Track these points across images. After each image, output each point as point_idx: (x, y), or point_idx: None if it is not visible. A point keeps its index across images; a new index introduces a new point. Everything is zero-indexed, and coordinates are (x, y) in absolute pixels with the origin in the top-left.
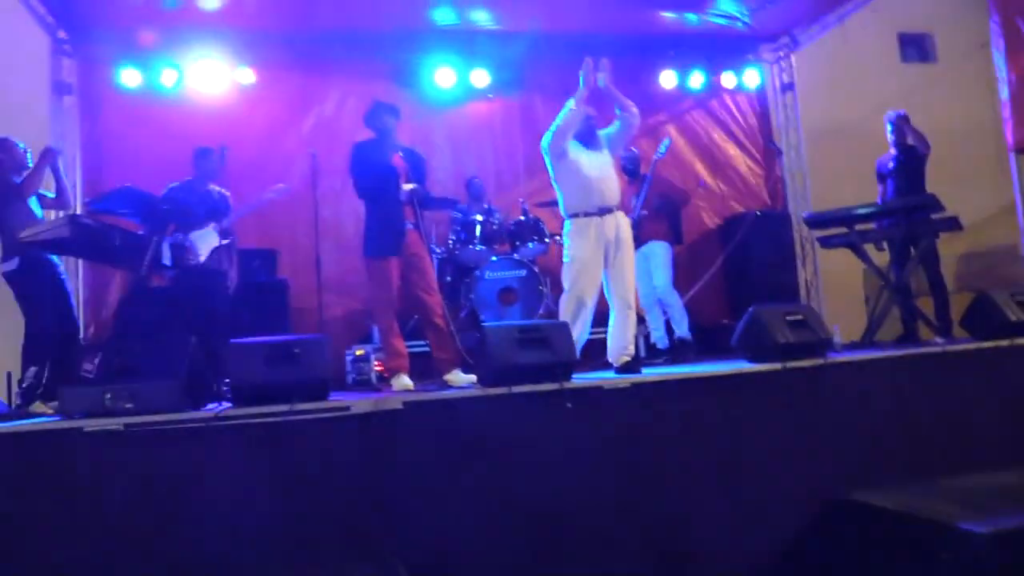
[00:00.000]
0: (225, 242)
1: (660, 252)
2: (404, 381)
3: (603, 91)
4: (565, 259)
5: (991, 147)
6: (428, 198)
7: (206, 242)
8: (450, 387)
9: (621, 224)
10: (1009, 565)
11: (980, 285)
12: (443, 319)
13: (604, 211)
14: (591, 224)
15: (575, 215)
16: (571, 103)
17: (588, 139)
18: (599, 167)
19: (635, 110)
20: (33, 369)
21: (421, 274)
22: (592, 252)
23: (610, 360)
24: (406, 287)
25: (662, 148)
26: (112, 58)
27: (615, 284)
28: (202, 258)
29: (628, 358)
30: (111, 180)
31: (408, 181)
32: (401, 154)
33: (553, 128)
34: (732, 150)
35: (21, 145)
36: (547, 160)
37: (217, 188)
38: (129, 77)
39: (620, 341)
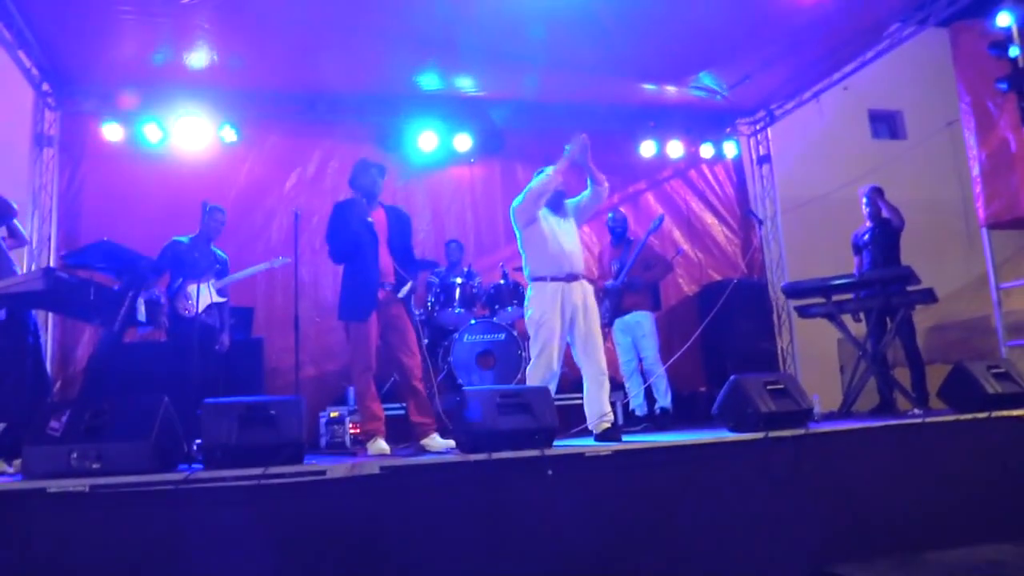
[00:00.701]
0: (222, 300)
1: (646, 323)
2: (380, 445)
3: (580, 163)
4: (530, 324)
5: (960, 222)
6: (413, 263)
7: (204, 296)
8: (428, 452)
9: (588, 291)
10: None
11: (953, 357)
12: (422, 382)
13: (572, 278)
14: (559, 289)
15: (542, 279)
16: (549, 170)
17: (557, 206)
18: (567, 234)
19: (607, 184)
20: (2, 425)
21: (402, 335)
22: (560, 317)
23: (589, 427)
24: (386, 349)
25: (656, 222)
26: (96, 113)
27: (588, 350)
28: (198, 311)
29: (608, 424)
30: (88, 234)
31: (389, 240)
32: (385, 212)
33: (526, 191)
34: (710, 219)
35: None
36: (515, 223)
37: (218, 251)
38: (112, 132)
39: (598, 407)
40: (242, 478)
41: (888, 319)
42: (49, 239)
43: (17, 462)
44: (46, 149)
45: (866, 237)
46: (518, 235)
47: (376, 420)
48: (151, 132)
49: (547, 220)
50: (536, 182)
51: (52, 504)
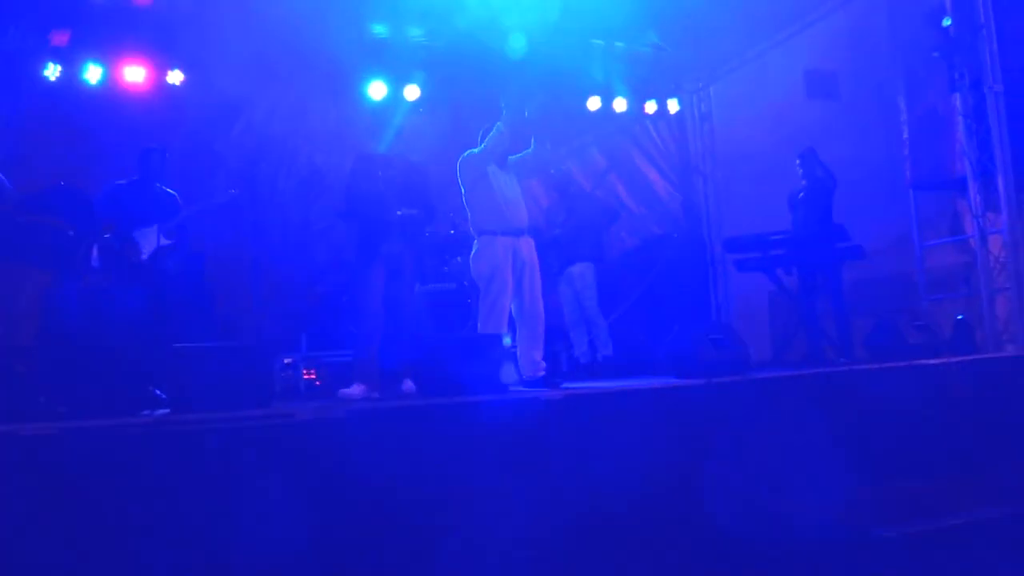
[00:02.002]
0: (167, 243)
1: (587, 274)
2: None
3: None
4: (479, 278)
5: (888, 182)
6: None
7: (148, 241)
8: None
9: (532, 245)
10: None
11: (877, 311)
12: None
13: (519, 232)
14: (509, 244)
15: (491, 233)
16: (500, 126)
17: (501, 162)
18: (513, 189)
19: (548, 145)
20: None
21: None
22: (511, 271)
23: (522, 375)
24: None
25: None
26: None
27: (528, 304)
28: (143, 257)
29: (542, 373)
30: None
31: None
32: None
33: (481, 149)
34: (652, 174)
35: None
36: (461, 178)
37: (166, 188)
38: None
39: (533, 356)
40: (208, 422)
41: (818, 274)
42: None
43: None
44: None
45: (800, 196)
46: (464, 190)
47: None
48: (92, 73)
49: (494, 175)
50: (491, 140)
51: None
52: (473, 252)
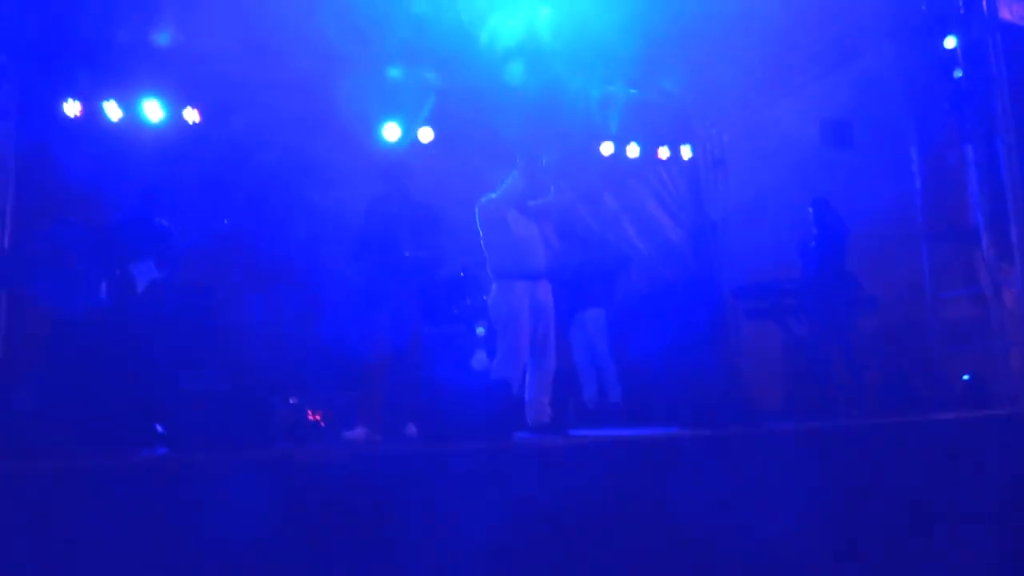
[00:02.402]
0: (162, 275)
1: (598, 319)
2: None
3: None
4: (497, 321)
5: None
6: None
7: (144, 275)
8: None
9: (549, 290)
10: None
11: (891, 362)
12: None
13: (537, 277)
14: (527, 289)
15: (509, 277)
16: (516, 174)
17: (521, 207)
18: (531, 233)
19: (569, 193)
20: None
21: None
22: (528, 316)
23: (528, 422)
24: None
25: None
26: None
27: (540, 350)
28: (139, 290)
29: (548, 420)
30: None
31: None
32: None
33: (499, 196)
34: (665, 220)
35: None
36: (479, 222)
37: (161, 221)
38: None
39: (541, 402)
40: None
41: (830, 324)
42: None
43: None
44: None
45: (812, 245)
46: (482, 232)
47: None
48: (112, 110)
49: (514, 220)
50: (507, 188)
51: None
52: (491, 296)
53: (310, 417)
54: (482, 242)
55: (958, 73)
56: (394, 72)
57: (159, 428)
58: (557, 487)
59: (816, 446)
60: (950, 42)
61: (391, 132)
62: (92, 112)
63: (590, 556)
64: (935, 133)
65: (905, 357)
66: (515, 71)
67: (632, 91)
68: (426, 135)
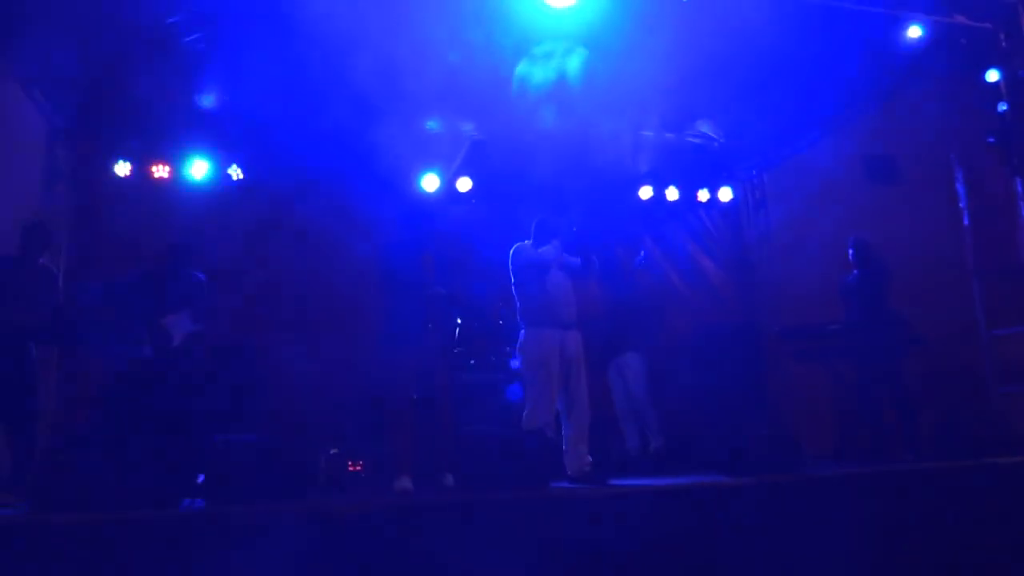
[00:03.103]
0: (197, 328)
1: (636, 363)
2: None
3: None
4: (527, 367)
5: (952, 268)
6: None
7: (179, 327)
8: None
9: (579, 339)
10: None
11: (943, 403)
12: None
13: (568, 326)
14: (557, 337)
15: (539, 324)
16: (556, 243)
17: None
18: (563, 284)
19: (595, 261)
20: None
21: None
22: (558, 364)
23: (569, 472)
24: None
25: (640, 259)
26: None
27: (574, 399)
28: (175, 343)
29: (588, 468)
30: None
31: None
32: None
33: (528, 255)
34: (706, 262)
35: None
36: (512, 268)
37: (195, 273)
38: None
39: (580, 453)
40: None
41: (877, 364)
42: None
43: None
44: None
45: (853, 284)
46: (514, 278)
47: None
48: (159, 169)
49: (546, 270)
50: (541, 253)
51: None
52: (520, 342)
53: (350, 468)
54: (512, 287)
55: (1002, 106)
56: (431, 124)
57: (200, 478)
58: (595, 537)
59: (866, 492)
60: (992, 75)
61: (430, 183)
62: (141, 172)
63: None
64: (981, 167)
65: (959, 397)
66: (547, 116)
67: (668, 135)
68: (464, 184)
